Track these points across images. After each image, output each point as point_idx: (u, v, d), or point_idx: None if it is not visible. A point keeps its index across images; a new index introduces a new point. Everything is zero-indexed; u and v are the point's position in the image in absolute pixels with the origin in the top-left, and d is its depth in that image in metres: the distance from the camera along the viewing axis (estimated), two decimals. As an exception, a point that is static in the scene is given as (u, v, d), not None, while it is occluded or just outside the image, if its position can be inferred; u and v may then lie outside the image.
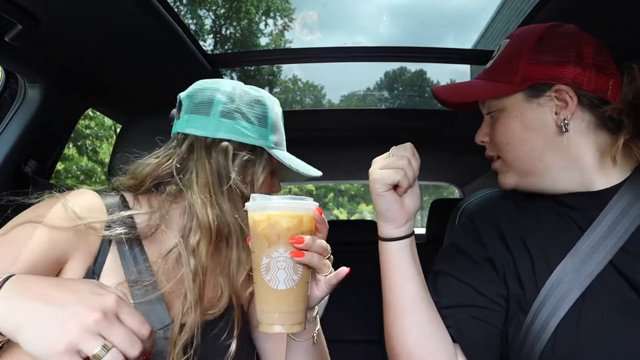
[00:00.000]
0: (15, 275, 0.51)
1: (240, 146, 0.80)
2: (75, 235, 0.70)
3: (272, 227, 0.61)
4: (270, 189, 0.88)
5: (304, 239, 0.62)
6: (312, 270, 0.66)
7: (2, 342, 0.49)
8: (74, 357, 0.44)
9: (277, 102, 0.89)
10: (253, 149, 0.82)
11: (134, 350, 0.47)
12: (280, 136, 0.88)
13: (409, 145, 0.70)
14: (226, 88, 0.82)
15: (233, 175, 0.78)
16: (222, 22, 14.08)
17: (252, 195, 0.64)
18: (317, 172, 0.92)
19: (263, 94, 0.86)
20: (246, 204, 0.64)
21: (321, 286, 0.67)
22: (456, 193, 3.28)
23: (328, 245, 0.66)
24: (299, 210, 0.63)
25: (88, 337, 0.45)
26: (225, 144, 0.79)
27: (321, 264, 0.64)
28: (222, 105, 0.80)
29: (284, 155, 0.86)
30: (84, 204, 0.73)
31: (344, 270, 0.68)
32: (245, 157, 0.80)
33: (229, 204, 0.78)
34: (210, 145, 0.79)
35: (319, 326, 0.76)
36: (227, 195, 0.78)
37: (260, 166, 0.83)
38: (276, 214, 0.61)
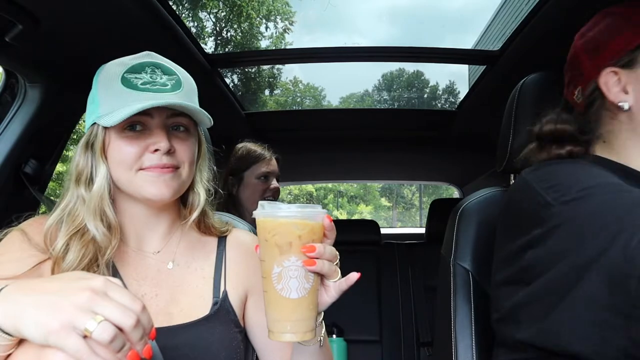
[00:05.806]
0: (7, 285, 0.54)
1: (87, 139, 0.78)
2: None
3: (284, 236, 0.60)
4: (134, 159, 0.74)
5: (315, 247, 0.61)
6: (321, 277, 0.65)
7: (13, 343, 0.50)
8: (70, 334, 0.46)
9: (115, 63, 0.76)
10: (90, 134, 0.77)
11: (129, 319, 0.48)
12: (114, 98, 0.73)
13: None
14: None
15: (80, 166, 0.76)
16: (223, 25, 14.07)
17: (260, 202, 0.63)
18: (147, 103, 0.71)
19: (104, 65, 0.78)
20: (254, 212, 0.63)
21: (330, 292, 0.66)
22: (456, 193, 3.28)
23: (337, 251, 0.65)
24: (310, 218, 0.62)
25: (80, 313, 0.47)
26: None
27: (331, 270, 0.64)
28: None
29: (112, 117, 0.71)
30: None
31: (354, 275, 0.66)
32: (85, 143, 0.77)
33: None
34: None
35: (324, 329, 0.76)
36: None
37: (96, 144, 0.76)
38: (288, 222, 0.60)
